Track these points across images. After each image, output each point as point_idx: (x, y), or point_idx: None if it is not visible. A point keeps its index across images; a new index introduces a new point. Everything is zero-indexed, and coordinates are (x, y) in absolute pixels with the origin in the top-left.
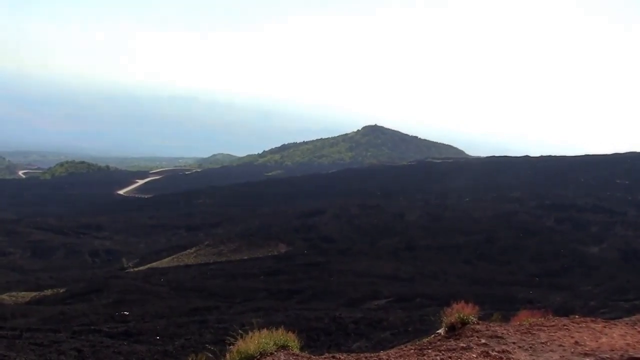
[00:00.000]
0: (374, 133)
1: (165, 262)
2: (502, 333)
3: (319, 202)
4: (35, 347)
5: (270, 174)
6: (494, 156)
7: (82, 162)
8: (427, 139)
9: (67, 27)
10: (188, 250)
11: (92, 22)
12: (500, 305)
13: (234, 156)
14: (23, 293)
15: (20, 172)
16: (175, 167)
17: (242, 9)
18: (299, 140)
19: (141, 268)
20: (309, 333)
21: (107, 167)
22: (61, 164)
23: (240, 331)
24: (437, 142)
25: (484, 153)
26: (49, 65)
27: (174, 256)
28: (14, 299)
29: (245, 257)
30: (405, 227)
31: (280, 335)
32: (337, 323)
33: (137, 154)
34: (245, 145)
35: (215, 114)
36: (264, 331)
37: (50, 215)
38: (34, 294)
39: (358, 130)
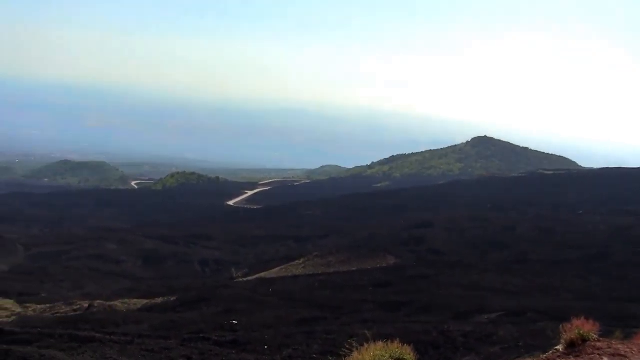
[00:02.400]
0: (483, 144)
1: (273, 273)
2: (625, 352)
3: (428, 214)
4: (146, 353)
5: (378, 185)
6: (608, 167)
7: (193, 173)
8: (539, 149)
9: (179, 41)
10: (296, 261)
11: (199, 37)
12: (615, 322)
13: (343, 168)
14: (135, 300)
15: (133, 183)
16: (284, 178)
17: (343, 22)
18: (407, 151)
19: (250, 278)
20: (417, 346)
21: (217, 178)
22: (172, 175)
23: (354, 343)
24: (548, 154)
25: (598, 164)
26: (160, 78)
27: (282, 267)
28: (126, 305)
29: (354, 269)
30: (515, 240)
31: (396, 348)
32: (446, 336)
33: (246, 166)
34: (354, 156)
35: (323, 126)
36: (379, 343)
37: (162, 224)
38: (145, 301)
39: (467, 141)
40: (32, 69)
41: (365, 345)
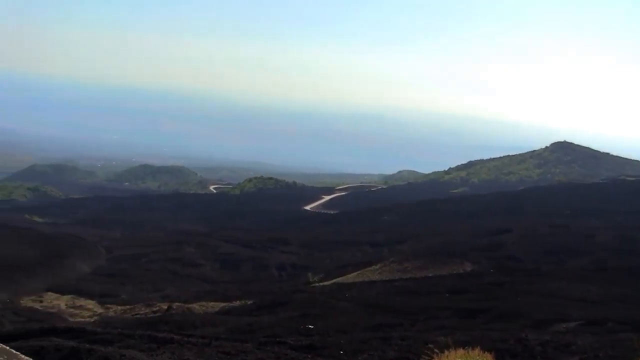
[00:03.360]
0: (563, 150)
1: (350, 278)
2: None
3: (506, 220)
4: (223, 356)
5: (455, 191)
6: None
7: (270, 178)
8: (620, 155)
9: (256, 47)
10: (372, 266)
11: (276, 43)
12: None
13: (419, 173)
14: (212, 303)
15: (211, 187)
16: (361, 183)
17: (418, 30)
18: (485, 157)
19: (326, 283)
20: (493, 354)
21: (295, 182)
22: (250, 180)
23: (435, 349)
24: (631, 159)
25: None
26: (238, 84)
27: (358, 272)
28: (204, 308)
29: (430, 275)
30: (595, 248)
31: (477, 355)
32: (523, 345)
33: (323, 170)
34: (430, 162)
35: (399, 131)
36: (460, 350)
37: (239, 229)
38: (222, 304)
39: (546, 146)
40: (115, 75)
41: (445, 351)
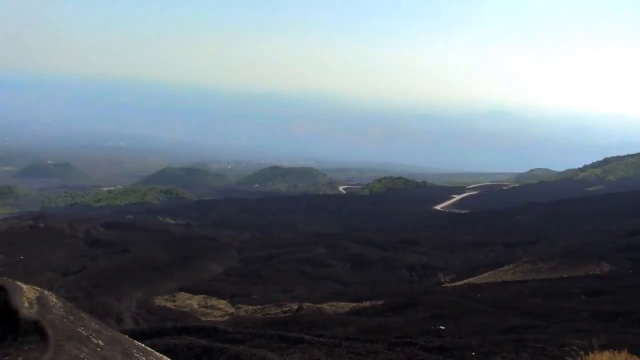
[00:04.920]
0: None
1: (481, 279)
2: None
3: None
4: (353, 356)
5: (591, 189)
6: None
7: (399, 178)
8: None
9: (379, 49)
10: (505, 267)
11: (400, 44)
12: None
13: (553, 171)
14: (342, 303)
15: (341, 188)
16: (492, 182)
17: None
18: (621, 154)
19: (457, 283)
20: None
21: (424, 182)
22: (379, 180)
23: (579, 352)
24: None
25: None
26: (362, 86)
27: (490, 272)
28: (334, 308)
29: (565, 276)
30: None
31: (623, 359)
32: None
33: (452, 170)
34: (564, 160)
35: (530, 129)
36: (605, 352)
37: (369, 229)
38: (353, 304)
39: None
40: (244, 81)
41: (589, 354)
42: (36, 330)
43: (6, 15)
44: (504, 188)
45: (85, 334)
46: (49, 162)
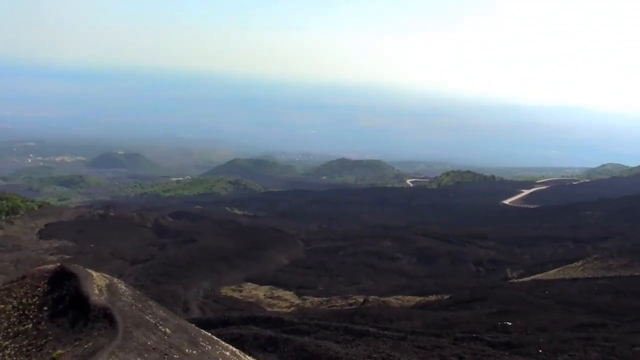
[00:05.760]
0: None
1: (550, 275)
2: None
3: None
4: (418, 350)
5: None
6: None
7: (468, 172)
8: None
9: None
10: (574, 264)
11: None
12: None
13: (625, 166)
14: (408, 297)
15: (408, 181)
16: (562, 177)
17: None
18: None
19: (525, 279)
20: None
21: (493, 176)
22: (447, 173)
23: None
24: None
25: None
26: (429, 78)
27: (559, 268)
28: (400, 302)
29: (637, 274)
30: None
31: None
32: None
33: (521, 164)
34: (637, 155)
35: (602, 124)
36: None
37: (436, 223)
38: (418, 298)
39: None
40: (309, 72)
41: None
42: (105, 317)
43: (85, 10)
44: (574, 183)
45: (153, 321)
46: (119, 152)
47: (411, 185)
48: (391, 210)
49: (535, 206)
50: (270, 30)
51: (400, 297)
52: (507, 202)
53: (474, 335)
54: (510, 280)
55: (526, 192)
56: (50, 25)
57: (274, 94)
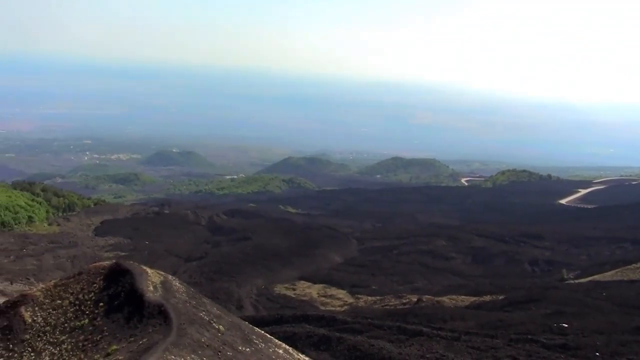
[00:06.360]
0: None
1: (608, 276)
2: None
3: None
4: (472, 351)
5: None
6: None
7: (524, 171)
8: None
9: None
10: (633, 265)
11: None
12: None
13: None
14: (463, 297)
15: (463, 180)
16: (621, 176)
17: None
18: None
19: (582, 280)
20: None
21: (549, 176)
22: (502, 172)
23: None
24: None
25: None
26: (490, 78)
27: (617, 270)
28: (453, 302)
29: None
30: None
31: None
32: None
33: (578, 163)
34: None
35: None
36: None
37: (491, 222)
38: (473, 298)
39: None
40: (362, 70)
41: None
42: (160, 314)
43: (134, 10)
44: (633, 183)
45: (207, 318)
46: (174, 150)
47: (466, 184)
48: (445, 209)
49: (592, 206)
50: (318, 28)
51: (454, 297)
52: (563, 201)
53: (529, 336)
54: (566, 281)
55: (583, 191)
56: (108, 25)
57: (328, 91)
